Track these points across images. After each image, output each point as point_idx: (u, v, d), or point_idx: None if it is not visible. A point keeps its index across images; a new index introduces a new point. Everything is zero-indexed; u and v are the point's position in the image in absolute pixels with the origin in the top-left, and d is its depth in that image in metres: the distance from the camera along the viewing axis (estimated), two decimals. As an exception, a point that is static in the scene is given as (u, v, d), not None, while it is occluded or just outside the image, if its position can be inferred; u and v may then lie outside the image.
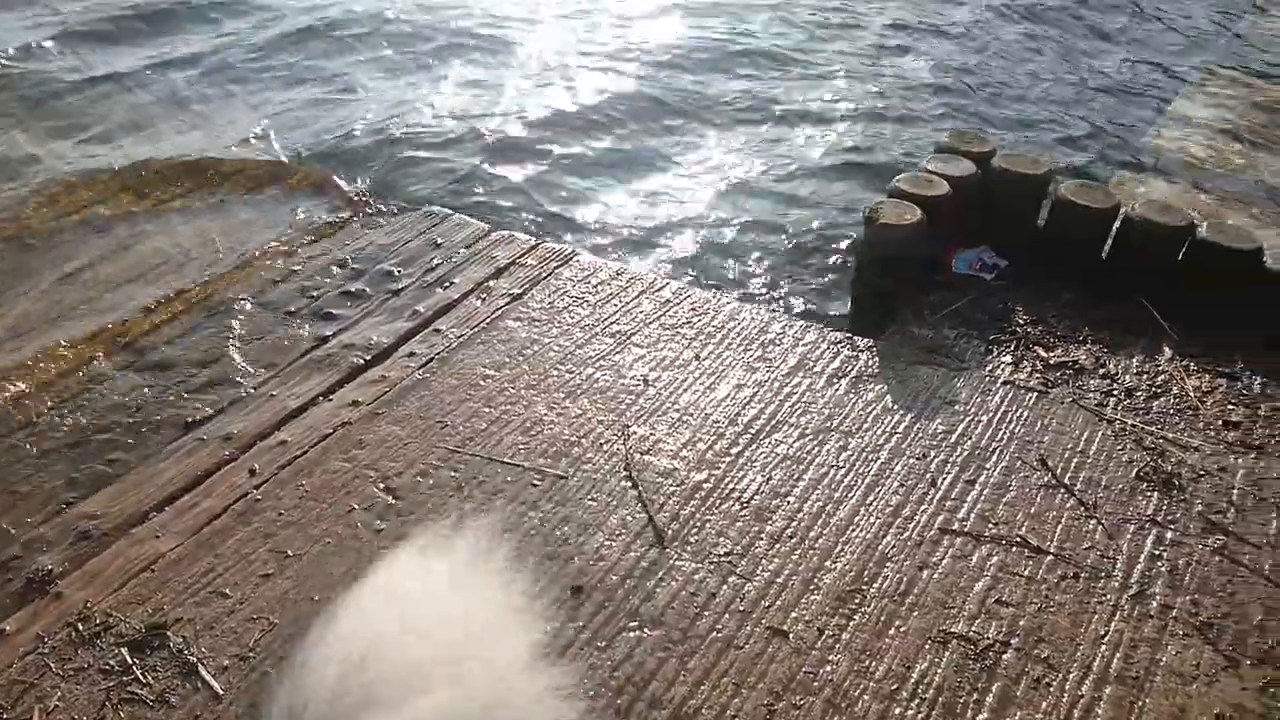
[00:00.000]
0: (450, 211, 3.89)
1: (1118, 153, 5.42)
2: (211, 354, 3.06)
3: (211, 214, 3.92)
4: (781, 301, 3.97)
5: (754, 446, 2.68)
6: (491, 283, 3.38)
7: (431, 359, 2.99)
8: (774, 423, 2.77)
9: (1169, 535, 2.44)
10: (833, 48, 6.77)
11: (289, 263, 3.50)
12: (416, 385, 2.89)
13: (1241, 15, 7.88)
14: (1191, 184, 5.23)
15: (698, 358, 3.02)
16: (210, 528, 2.43)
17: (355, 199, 3.99)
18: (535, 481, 2.54)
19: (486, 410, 2.79)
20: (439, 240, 3.63)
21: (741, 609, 2.21)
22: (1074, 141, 5.53)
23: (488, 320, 3.17)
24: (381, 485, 2.54)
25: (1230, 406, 2.89)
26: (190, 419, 2.80)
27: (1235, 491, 2.58)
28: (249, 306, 3.26)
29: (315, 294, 3.32)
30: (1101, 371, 3.02)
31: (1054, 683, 2.07)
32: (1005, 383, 2.96)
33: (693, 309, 3.24)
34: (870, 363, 3.02)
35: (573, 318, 3.19)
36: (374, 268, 3.47)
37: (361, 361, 3.00)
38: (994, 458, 2.66)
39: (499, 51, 6.44)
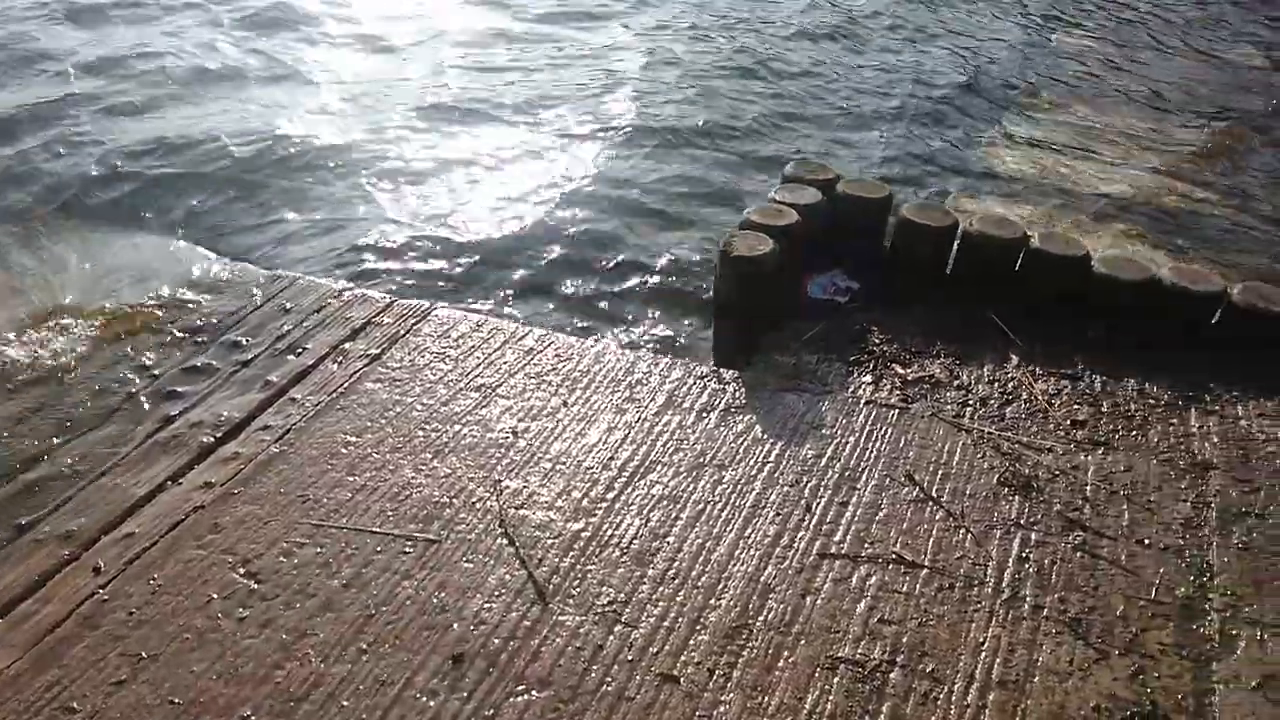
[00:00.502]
0: (298, 275, 3.75)
1: (953, 172, 5.70)
2: (44, 446, 2.83)
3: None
4: (645, 339, 3.98)
5: (630, 490, 2.65)
6: (347, 345, 3.26)
7: (288, 430, 2.86)
8: (648, 463, 2.75)
9: (1033, 536, 2.53)
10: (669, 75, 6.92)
11: (124, 342, 3.29)
12: (274, 460, 2.74)
13: (1054, 33, 8.43)
14: (1021, 197, 5.55)
15: (566, 405, 2.98)
16: (52, 636, 2.23)
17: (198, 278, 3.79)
18: (407, 549, 2.44)
19: (351, 479, 2.67)
20: (288, 305, 3.49)
21: (630, 659, 2.17)
22: (912, 164, 5.78)
23: (346, 384, 3.05)
24: (242, 570, 2.39)
25: (1076, 406, 3.04)
26: (23, 519, 2.58)
27: (1088, 488, 2.70)
28: (83, 391, 3.05)
29: (156, 373, 3.13)
30: (956, 383, 3.13)
31: (940, 695, 2.11)
32: (868, 402, 3.02)
33: (557, 355, 3.21)
34: (737, 394, 3.04)
35: (435, 374, 3.10)
36: (219, 339, 3.30)
37: (212, 440, 2.83)
38: (864, 477, 2.71)
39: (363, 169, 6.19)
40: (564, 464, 2.74)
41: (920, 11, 8.81)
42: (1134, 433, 2.92)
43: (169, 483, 2.68)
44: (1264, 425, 2.95)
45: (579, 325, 4.14)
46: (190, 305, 3.50)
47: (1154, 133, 6.52)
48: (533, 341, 3.28)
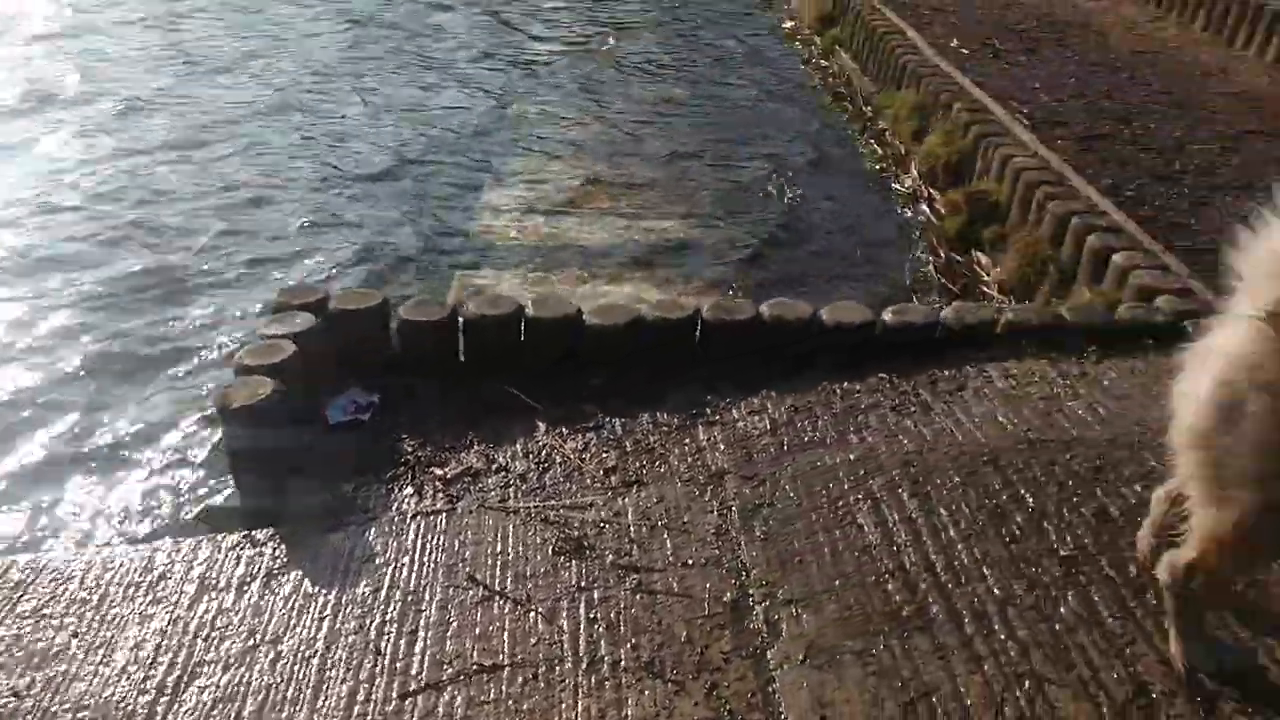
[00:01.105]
0: None
1: (449, 255, 5.86)
2: None
3: None
4: (161, 527, 3.60)
5: (176, 707, 2.34)
6: None
7: None
8: (191, 669, 2.45)
9: (596, 595, 2.63)
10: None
11: None
12: None
13: (522, 94, 8.95)
14: (521, 263, 5.86)
15: (77, 634, 2.56)
16: None
17: None
18: None
19: None
20: None
21: None
22: (404, 258, 5.84)
23: None
24: None
25: (605, 454, 3.23)
26: None
27: (632, 529, 2.87)
28: None
29: None
30: (495, 467, 3.18)
31: (549, 792, 2.10)
32: (414, 515, 2.97)
33: (54, 578, 2.76)
34: (277, 553, 2.83)
35: (-108, 657, 2.52)
36: None
37: None
38: (427, 596, 2.65)
39: None
40: (89, 707, 2.35)
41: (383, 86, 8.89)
42: (657, 463, 3.17)
43: None
44: (755, 421, 3.36)
45: (77, 533, 3.63)
46: None
47: (636, 180, 7.19)
48: (18, 573, 2.79)
